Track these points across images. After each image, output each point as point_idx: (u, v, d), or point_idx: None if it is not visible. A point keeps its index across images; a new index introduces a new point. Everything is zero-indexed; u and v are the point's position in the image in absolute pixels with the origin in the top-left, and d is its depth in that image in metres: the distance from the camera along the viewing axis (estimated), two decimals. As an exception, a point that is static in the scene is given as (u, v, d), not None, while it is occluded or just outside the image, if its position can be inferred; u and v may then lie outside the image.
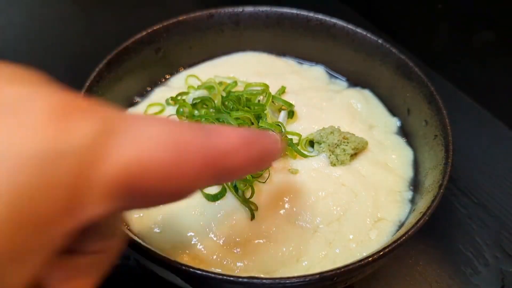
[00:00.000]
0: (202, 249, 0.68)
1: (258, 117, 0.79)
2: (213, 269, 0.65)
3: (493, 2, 1.03)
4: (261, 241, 0.68)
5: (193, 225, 0.70)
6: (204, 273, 0.56)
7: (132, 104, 0.90)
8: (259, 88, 0.85)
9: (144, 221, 0.73)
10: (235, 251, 0.67)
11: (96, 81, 0.80)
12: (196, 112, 0.84)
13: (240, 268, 0.66)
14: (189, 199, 0.71)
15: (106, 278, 0.41)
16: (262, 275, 0.64)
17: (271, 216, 0.70)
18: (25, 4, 1.45)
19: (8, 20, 1.38)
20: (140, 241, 0.61)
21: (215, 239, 0.68)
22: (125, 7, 1.47)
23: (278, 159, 0.72)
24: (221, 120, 0.77)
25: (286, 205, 0.71)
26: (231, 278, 0.55)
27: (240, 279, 0.55)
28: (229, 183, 0.72)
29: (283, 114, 0.84)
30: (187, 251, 0.68)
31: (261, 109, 0.79)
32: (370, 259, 0.58)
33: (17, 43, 1.31)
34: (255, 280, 0.56)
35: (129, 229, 0.72)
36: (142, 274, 0.79)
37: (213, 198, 0.71)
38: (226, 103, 0.80)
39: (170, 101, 0.88)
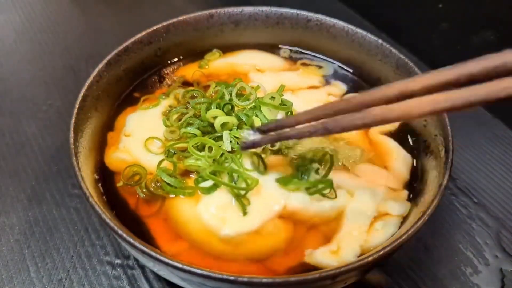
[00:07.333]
0: (199, 242, 0.69)
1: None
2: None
3: (493, 2, 1.03)
4: (254, 235, 0.69)
5: (190, 217, 0.71)
6: (204, 272, 0.56)
7: (132, 102, 0.90)
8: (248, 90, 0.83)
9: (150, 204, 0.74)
10: (229, 245, 0.68)
11: (96, 81, 0.80)
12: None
13: (233, 259, 0.68)
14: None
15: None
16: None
17: (263, 212, 0.70)
18: (25, 4, 1.45)
19: (8, 20, 1.39)
20: (138, 240, 0.61)
21: (210, 232, 0.69)
22: (125, 7, 1.47)
23: None
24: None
25: (279, 201, 0.72)
26: (231, 278, 0.55)
27: (240, 279, 0.55)
28: (222, 177, 0.72)
29: (281, 113, 0.83)
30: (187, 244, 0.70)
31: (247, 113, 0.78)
32: (369, 259, 0.58)
33: (17, 43, 1.31)
34: (255, 280, 0.56)
35: (139, 214, 0.73)
36: (142, 274, 0.79)
37: (208, 190, 0.72)
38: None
39: (163, 96, 0.88)
